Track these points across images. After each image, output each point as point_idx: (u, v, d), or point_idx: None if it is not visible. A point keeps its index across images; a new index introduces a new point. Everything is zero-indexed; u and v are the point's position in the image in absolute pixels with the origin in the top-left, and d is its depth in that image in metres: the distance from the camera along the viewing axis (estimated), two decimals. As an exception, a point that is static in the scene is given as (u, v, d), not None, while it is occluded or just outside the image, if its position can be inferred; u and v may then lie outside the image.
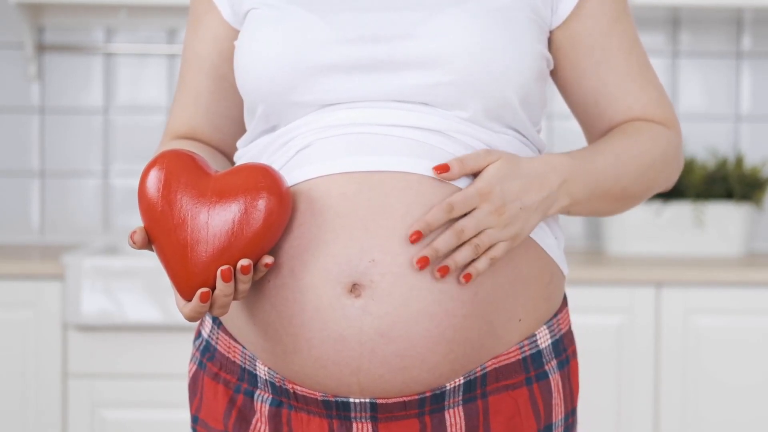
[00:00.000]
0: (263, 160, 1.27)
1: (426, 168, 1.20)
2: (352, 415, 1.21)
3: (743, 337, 2.76)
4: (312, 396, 1.22)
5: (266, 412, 1.26)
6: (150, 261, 2.66)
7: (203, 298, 1.14)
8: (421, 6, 1.24)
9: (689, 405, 2.75)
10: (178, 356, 2.70)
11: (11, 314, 2.74)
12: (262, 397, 1.27)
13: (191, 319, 1.16)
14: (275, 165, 1.25)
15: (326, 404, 1.21)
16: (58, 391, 2.74)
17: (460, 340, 1.19)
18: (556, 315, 1.30)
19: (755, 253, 3.19)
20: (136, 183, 3.15)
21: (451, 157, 1.21)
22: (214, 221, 1.14)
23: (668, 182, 1.38)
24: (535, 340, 1.27)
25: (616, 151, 1.30)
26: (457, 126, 1.23)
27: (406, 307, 1.17)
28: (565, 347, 1.31)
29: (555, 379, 1.29)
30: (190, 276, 1.15)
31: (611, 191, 1.29)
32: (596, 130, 1.37)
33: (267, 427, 1.26)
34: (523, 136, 1.30)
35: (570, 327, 1.34)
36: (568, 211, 1.28)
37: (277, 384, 1.24)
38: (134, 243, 1.16)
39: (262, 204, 1.14)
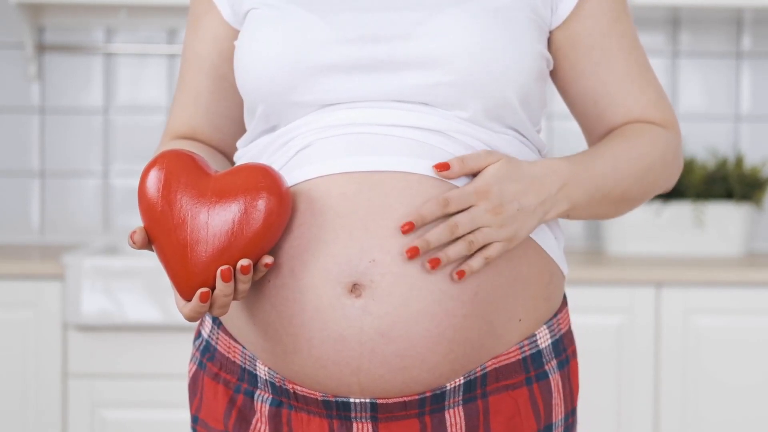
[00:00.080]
0: (263, 160, 1.27)
1: (426, 168, 1.20)
2: (353, 415, 1.21)
3: (743, 337, 2.76)
4: (312, 396, 1.22)
5: (266, 412, 1.26)
6: (150, 261, 2.66)
7: (203, 298, 1.14)
8: (421, 6, 1.24)
9: (689, 405, 2.75)
10: (178, 356, 2.70)
11: (11, 314, 2.74)
12: (262, 397, 1.27)
13: (191, 319, 1.16)
14: (275, 165, 1.25)
15: (326, 404, 1.21)
16: (58, 391, 2.74)
17: (460, 340, 1.19)
18: (556, 315, 1.30)
19: (755, 253, 3.19)
20: (136, 183, 3.15)
21: (451, 157, 1.21)
22: (214, 221, 1.14)
23: (668, 184, 1.38)
24: (535, 340, 1.27)
25: (615, 154, 1.29)
26: (457, 126, 1.23)
27: (406, 307, 1.17)
28: (565, 347, 1.31)
29: (555, 379, 1.29)
30: (189, 276, 1.15)
31: (611, 195, 1.29)
32: (596, 132, 1.37)
33: (267, 427, 1.26)
34: (523, 136, 1.30)
35: (570, 327, 1.34)
36: (567, 216, 1.27)
37: (277, 384, 1.24)
38: (134, 243, 1.16)
39: (261, 204, 1.14)
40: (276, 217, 1.15)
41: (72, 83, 3.26)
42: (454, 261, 1.18)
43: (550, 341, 1.29)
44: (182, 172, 1.16)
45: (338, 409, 1.21)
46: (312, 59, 1.24)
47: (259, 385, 1.27)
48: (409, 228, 1.17)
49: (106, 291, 2.69)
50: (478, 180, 1.20)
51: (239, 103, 1.37)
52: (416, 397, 1.20)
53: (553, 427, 1.29)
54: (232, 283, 1.14)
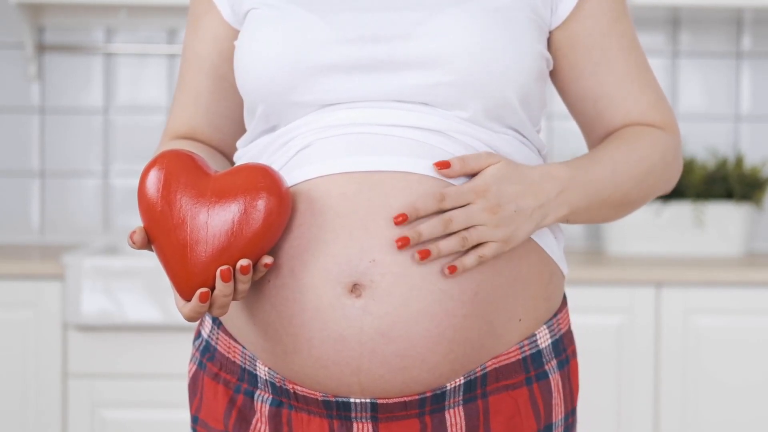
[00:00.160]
0: (263, 160, 1.27)
1: (426, 168, 1.20)
2: (353, 415, 1.21)
3: (743, 337, 2.76)
4: (312, 396, 1.22)
5: (266, 412, 1.26)
6: (150, 261, 2.66)
7: (202, 299, 1.14)
8: (421, 6, 1.24)
9: (689, 405, 2.75)
10: (178, 356, 2.70)
11: (11, 314, 2.74)
12: (263, 397, 1.27)
13: (191, 319, 1.16)
14: (275, 165, 1.25)
15: (326, 404, 1.21)
16: (58, 391, 2.74)
17: (461, 340, 1.19)
18: (555, 315, 1.30)
19: (755, 253, 3.19)
20: (136, 183, 3.15)
21: (451, 157, 1.22)
22: (214, 221, 1.14)
23: (668, 186, 1.37)
24: (535, 340, 1.27)
25: (614, 158, 1.29)
26: (457, 126, 1.23)
27: (407, 307, 1.17)
28: (564, 347, 1.31)
29: (555, 378, 1.29)
30: (189, 276, 1.15)
31: (610, 199, 1.29)
32: (595, 133, 1.37)
33: (267, 427, 1.26)
34: (523, 136, 1.30)
35: (570, 327, 1.34)
36: (567, 220, 1.27)
37: (278, 384, 1.24)
38: (134, 243, 1.16)
39: (261, 204, 1.14)
40: (276, 217, 1.15)
41: (72, 83, 3.26)
42: (445, 255, 1.18)
43: (550, 341, 1.29)
44: (182, 172, 1.16)
45: (338, 409, 1.21)
46: (312, 59, 1.24)
47: (259, 385, 1.27)
48: (402, 220, 1.17)
49: (106, 291, 2.69)
50: (477, 179, 1.20)
51: (239, 103, 1.37)
52: (416, 397, 1.20)
53: (553, 426, 1.29)
54: (231, 284, 1.14)
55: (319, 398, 1.21)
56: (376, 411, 1.21)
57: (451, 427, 1.23)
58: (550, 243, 1.28)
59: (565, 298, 1.34)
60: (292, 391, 1.23)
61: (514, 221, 1.20)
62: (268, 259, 1.16)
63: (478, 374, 1.23)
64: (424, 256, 1.17)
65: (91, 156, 3.28)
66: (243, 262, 1.14)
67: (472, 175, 1.21)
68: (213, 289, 1.15)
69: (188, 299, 1.16)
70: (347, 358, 1.18)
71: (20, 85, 3.25)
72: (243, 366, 1.28)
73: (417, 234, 1.17)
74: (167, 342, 2.73)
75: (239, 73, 1.30)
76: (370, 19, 1.24)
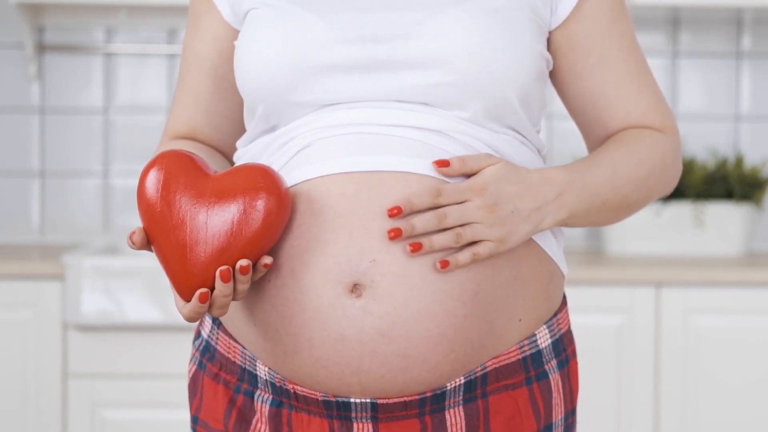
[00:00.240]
0: (263, 160, 1.27)
1: (426, 168, 1.20)
2: (353, 415, 1.21)
3: (743, 337, 2.76)
4: (312, 396, 1.22)
5: (266, 413, 1.26)
6: (150, 261, 2.66)
7: (202, 299, 1.14)
8: (421, 6, 1.24)
9: (689, 405, 2.75)
10: (178, 356, 2.70)
11: (11, 314, 2.74)
12: (263, 397, 1.27)
13: (190, 319, 1.16)
14: (275, 165, 1.25)
15: (327, 404, 1.21)
16: (58, 391, 2.74)
17: (461, 340, 1.19)
18: (555, 315, 1.30)
19: (755, 253, 3.19)
20: (135, 183, 3.15)
21: (451, 156, 1.22)
22: (213, 222, 1.14)
23: (667, 188, 1.37)
24: (535, 340, 1.27)
25: (613, 161, 1.29)
26: (457, 126, 1.23)
27: (407, 307, 1.17)
28: (564, 347, 1.31)
29: (555, 378, 1.29)
30: (189, 276, 1.14)
31: (609, 202, 1.29)
32: (594, 135, 1.36)
33: (267, 428, 1.26)
34: (523, 136, 1.30)
35: (569, 327, 1.34)
36: (566, 224, 1.27)
37: (278, 384, 1.24)
38: (133, 244, 1.16)
39: (261, 204, 1.14)
40: (275, 217, 1.15)
41: (72, 83, 3.26)
42: (438, 250, 1.18)
43: (549, 341, 1.29)
44: (181, 173, 1.16)
45: (339, 409, 1.21)
46: (312, 59, 1.24)
47: (259, 385, 1.27)
48: (396, 212, 1.17)
49: (106, 291, 2.69)
50: (476, 178, 1.20)
51: (239, 103, 1.37)
52: (417, 397, 1.20)
53: (553, 426, 1.29)
54: (231, 284, 1.14)
55: (320, 398, 1.21)
56: (377, 411, 1.21)
57: (451, 427, 1.23)
58: (550, 243, 1.28)
59: (564, 298, 1.34)
60: (292, 391, 1.23)
61: (510, 221, 1.20)
62: (267, 260, 1.16)
63: (478, 374, 1.23)
64: (416, 248, 1.17)
65: (91, 156, 3.28)
66: (242, 262, 1.14)
67: (471, 176, 1.21)
68: (213, 289, 1.15)
69: (188, 299, 1.16)
70: (347, 358, 1.18)
71: (20, 85, 3.25)
72: (243, 366, 1.28)
73: (410, 226, 1.17)
74: (167, 342, 2.73)
75: (239, 73, 1.30)
76: (370, 19, 1.24)
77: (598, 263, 2.92)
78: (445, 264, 1.17)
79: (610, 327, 2.75)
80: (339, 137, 1.23)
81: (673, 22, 3.30)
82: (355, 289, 1.18)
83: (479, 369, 1.23)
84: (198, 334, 1.37)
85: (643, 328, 2.75)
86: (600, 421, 2.75)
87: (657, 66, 3.27)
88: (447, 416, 1.23)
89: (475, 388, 1.23)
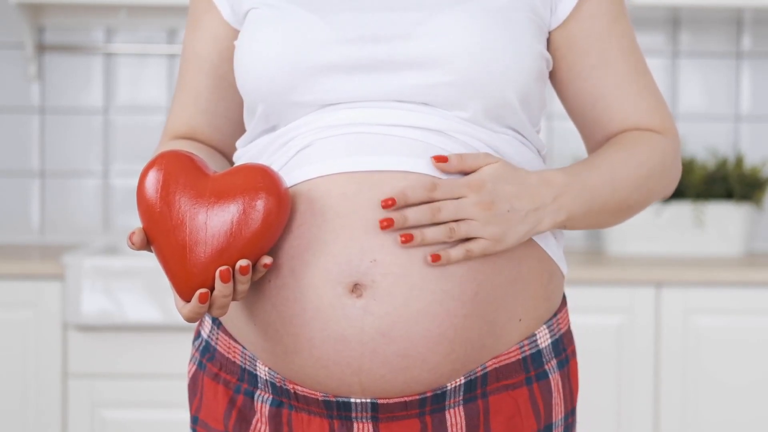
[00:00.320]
0: (263, 160, 1.27)
1: (426, 167, 1.20)
2: (353, 415, 1.21)
3: (743, 337, 2.76)
4: (313, 396, 1.22)
5: (266, 413, 1.26)
6: (150, 261, 2.66)
7: (202, 299, 1.14)
8: (421, 6, 1.24)
9: (689, 405, 2.75)
10: (178, 356, 2.70)
11: (11, 314, 2.74)
12: (263, 397, 1.27)
13: (190, 319, 1.16)
14: (275, 165, 1.25)
15: (327, 404, 1.21)
16: (58, 391, 2.74)
17: (461, 340, 1.19)
18: (555, 315, 1.30)
19: (755, 253, 3.19)
20: (135, 183, 3.15)
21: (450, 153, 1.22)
22: (213, 222, 1.14)
23: (666, 190, 1.37)
24: (535, 340, 1.27)
25: (612, 163, 1.29)
26: (457, 126, 1.23)
27: (407, 307, 1.17)
28: (564, 347, 1.31)
29: (555, 378, 1.29)
30: (188, 277, 1.14)
31: (608, 205, 1.29)
32: (594, 137, 1.36)
33: (267, 428, 1.26)
34: (523, 136, 1.30)
35: (569, 326, 1.34)
36: (564, 226, 1.27)
37: (278, 384, 1.24)
38: (133, 244, 1.16)
39: (260, 204, 1.14)
40: (275, 217, 1.15)
41: (72, 83, 3.26)
42: (430, 243, 1.17)
43: (549, 341, 1.29)
44: (181, 173, 1.16)
45: (339, 410, 1.21)
46: (312, 59, 1.24)
47: (259, 385, 1.27)
48: (390, 204, 1.17)
49: (106, 291, 2.69)
50: (473, 175, 1.20)
51: (239, 103, 1.37)
52: (417, 397, 1.20)
53: (553, 426, 1.29)
54: (231, 284, 1.14)
55: (320, 398, 1.21)
56: (377, 411, 1.21)
57: (452, 427, 1.23)
58: (549, 243, 1.28)
59: (564, 298, 1.34)
60: (292, 391, 1.23)
61: (506, 221, 1.19)
62: (267, 260, 1.16)
63: (478, 374, 1.23)
64: (407, 240, 1.16)
65: (91, 156, 3.28)
66: (242, 262, 1.14)
67: (469, 174, 1.21)
68: (212, 289, 1.15)
69: (188, 300, 1.16)
70: (348, 358, 1.18)
71: (20, 85, 3.25)
72: (243, 366, 1.28)
73: (403, 218, 1.17)
74: (167, 342, 2.73)
75: (239, 73, 1.30)
76: (370, 19, 1.24)
77: (598, 263, 2.92)
78: (436, 258, 1.17)
79: (610, 327, 2.75)
80: (339, 137, 1.23)
81: (673, 22, 3.30)
82: (356, 289, 1.18)
83: (479, 369, 1.23)
84: (198, 335, 1.37)
85: (643, 328, 2.75)
86: (600, 421, 2.75)
87: (657, 66, 3.27)
88: (447, 416, 1.23)
89: (476, 388, 1.23)
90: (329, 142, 1.23)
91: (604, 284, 2.76)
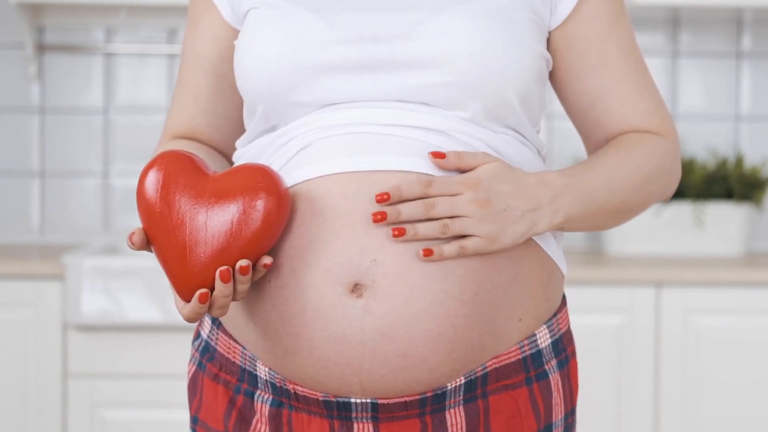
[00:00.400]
0: (263, 160, 1.27)
1: (426, 167, 1.20)
2: (353, 415, 1.21)
3: (743, 337, 2.76)
4: (313, 396, 1.22)
5: (266, 413, 1.26)
6: (150, 261, 2.66)
7: (202, 299, 1.14)
8: (421, 6, 1.24)
9: (689, 405, 2.75)
10: (178, 356, 2.70)
11: (11, 314, 2.74)
12: (263, 397, 1.27)
13: (190, 320, 1.16)
14: (275, 165, 1.25)
15: (327, 404, 1.21)
16: (58, 391, 2.74)
17: (462, 340, 1.19)
18: (555, 315, 1.30)
19: (755, 253, 3.19)
20: (136, 183, 3.15)
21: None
22: (213, 222, 1.14)
23: (666, 193, 1.36)
24: (535, 340, 1.27)
25: (610, 165, 1.29)
26: (457, 126, 1.23)
27: (407, 307, 1.17)
28: (564, 347, 1.31)
29: (555, 378, 1.29)
30: (188, 277, 1.14)
31: (606, 206, 1.28)
32: (594, 138, 1.36)
33: (267, 428, 1.26)
34: (523, 136, 1.30)
35: (569, 326, 1.34)
36: (563, 228, 1.26)
37: (278, 384, 1.24)
38: (133, 244, 1.16)
39: (260, 204, 1.14)
40: (275, 217, 1.15)
41: (72, 83, 3.26)
42: (423, 238, 1.17)
43: (549, 341, 1.29)
44: (181, 173, 1.16)
45: (339, 410, 1.21)
46: (312, 59, 1.24)
47: (259, 385, 1.27)
48: (384, 198, 1.17)
49: (106, 291, 2.69)
50: (470, 173, 1.20)
51: (238, 104, 1.37)
52: (417, 397, 1.20)
53: (553, 426, 1.29)
54: (231, 284, 1.14)
55: (320, 398, 1.21)
56: (377, 411, 1.21)
57: (452, 427, 1.23)
58: (549, 243, 1.28)
59: (564, 297, 1.34)
60: (292, 391, 1.23)
61: (501, 219, 1.19)
62: (267, 260, 1.16)
63: (478, 374, 1.23)
64: (399, 233, 1.16)
65: (91, 156, 3.28)
66: (242, 262, 1.14)
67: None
68: (212, 289, 1.15)
69: (188, 300, 1.16)
70: (348, 358, 1.18)
71: (20, 85, 3.25)
72: (243, 366, 1.28)
73: (396, 212, 1.17)
74: (167, 342, 2.73)
75: (239, 73, 1.30)
76: (370, 19, 1.24)
77: (598, 263, 2.92)
78: (428, 252, 1.17)
79: (610, 327, 2.75)
80: (339, 137, 1.23)
81: (673, 22, 3.29)
82: (356, 289, 1.18)
83: (479, 369, 1.23)
84: (197, 335, 1.37)
85: (643, 328, 2.75)
86: (600, 421, 2.75)
87: (657, 66, 3.27)
88: (447, 416, 1.23)
89: (476, 388, 1.23)
90: (329, 142, 1.23)
91: (604, 284, 2.76)
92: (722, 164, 3.10)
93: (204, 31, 1.37)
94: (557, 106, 3.04)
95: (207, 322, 1.35)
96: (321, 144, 1.23)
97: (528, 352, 1.26)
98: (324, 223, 1.19)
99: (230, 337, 1.30)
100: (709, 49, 3.30)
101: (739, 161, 3.09)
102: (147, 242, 1.17)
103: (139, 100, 3.28)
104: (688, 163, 3.09)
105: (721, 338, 2.76)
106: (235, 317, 1.27)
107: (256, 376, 1.27)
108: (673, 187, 1.37)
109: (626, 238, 3.05)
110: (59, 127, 3.26)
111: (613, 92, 1.33)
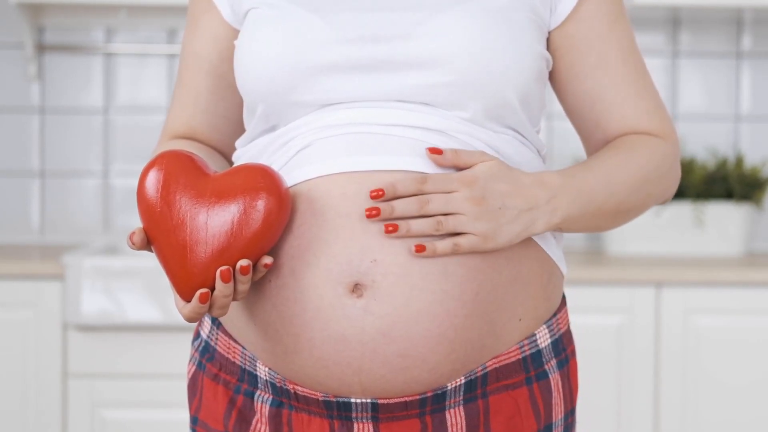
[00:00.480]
0: (263, 160, 1.27)
1: (426, 167, 1.20)
2: (353, 415, 1.21)
3: (743, 337, 2.76)
4: (313, 396, 1.22)
5: (266, 413, 1.26)
6: (150, 261, 2.66)
7: (202, 299, 1.14)
8: (421, 6, 1.24)
9: (689, 405, 2.75)
10: (178, 356, 2.70)
11: (11, 314, 2.74)
12: (263, 397, 1.27)
13: (190, 320, 1.16)
14: (275, 165, 1.25)
15: (327, 404, 1.21)
16: (58, 391, 2.74)
17: (462, 340, 1.19)
18: (555, 314, 1.30)
19: (755, 253, 3.19)
20: (136, 183, 3.15)
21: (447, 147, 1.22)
22: (213, 222, 1.14)
23: (665, 194, 1.36)
24: (535, 340, 1.27)
25: (609, 166, 1.28)
26: (457, 126, 1.23)
27: (408, 307, 1.17)
28: (564, 347, 1.31)
29: (555, 378, 1.29)
30: (189, 277, 1.14)
31: (605, 207, 1.28)
32: (593, 139, 1.36)
33: (267, 428, 1.26)
34: (523, 136, 1.30)
35: (569, 326, 1.34)
36: (560, 228, 1.26)
37: (278, 384, 1.24)
38: (133, 244, 1.16)
39: (261, 204, 1.14)
40: (275, 217, 1.15)
41: (72, 83, 3.26)
42: (416, 235, 1.17)
43: (549, 341, 1.29)
44: (181, 173, 1.16)
45: (339, 410, 1.21)
46: (312, 59, 1.24)
47: (259, 385, 1.27)
48: (378, 194, 1.17)
49: (106, 291, 2.69)
50: (466, 171, 1.19)
51: (238, 104, 1.37)
52: (417, 397, 1.20)
53: (553, 426, 1.29)
54: (231, 284, 1.14)
55: (320, 398, 1.21)
56: (377, 411, 1.21)
57: (452, 427, 1.23)
58: (549, 243, 1.28)
59: (564, 297, 1.34)
60: (292, 391, 1.23)
61: (497, 218, 1.19)
62: (267, 260, 1.16)
63: (478, 374, 1.23)
64: (392, 229, 1.16)
65: (91, 156, 3.28)
66: (243, 262, 1.14)
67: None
68: (213, 289, 1.15)
69: (188, 300, 1.16)
70: (348, 358, 1.18)
71: (20, 85, 3.25)
72: (243, 366, 1.28)
73: (390, 208, 1.16)
74: (167, 342, 2.73)
75: (239, 73, 1.30)
76: (370, 19, 1.24)
77: (598, 263, 2.92)
78: (420, 248, 1.17)
79: (610, 327, 2.75)
80: (339, 137, 1.23)
81: (673, 22, 3.30)
82: (356, 289, 1.18)
83: (479, 369, 1.23)
84: (197, 335, 1.37)
85: (643, 328, 2.75)
86: (600, 421, 2.75)
87: (657, 66, 3.27)
88: (447, 416, 1.23)
89: (476, 388, 1.23)
90: (329, 142, 1.23)
91: (604, 284, 2.76)
92: (722, 164, 3.10)
93: (204, 31, 1.37)
94: (557, 106, 3.03)
95: (207, 322, 1.34)
96: (321, 144, 1.23)
97: (528, 352, 1.26)
98: (324, 223, 1.19)
99: (230, 337, 1.30)
100: (709, 49, 3.30)
101: (739, 161, 3.09)
102: (147, 242, 1.17)
103: (139, 100, 3.28)
104: (688, 163, 3.09)
105: (721, 338, 2.76)
106: (235, 317, 1.27)
107: (256, 376, 1.27)
108: (673, 189, 1.37)
109: (626, 238, 3.05)
110: (59, 127, 3.26)
111: (613, 93, 1.33)
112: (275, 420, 1.26)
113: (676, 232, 3.04)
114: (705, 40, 3.30)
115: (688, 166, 3.06)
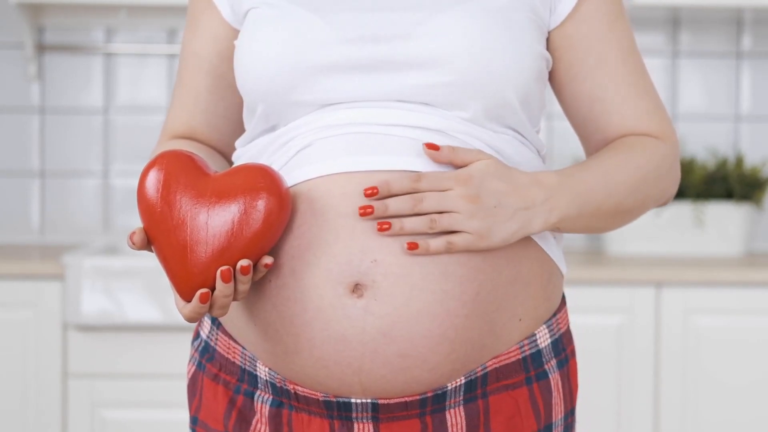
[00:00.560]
0: (263, 160, 1.27)
1: (426, 167, 1.20)
2: (354, 415, 1.21)
3: (743, 337, 2.76)
4: (313, 396, 1.22)
5: (266, 413, 1.26)
6: (150, 261, 2.66)
7: (203, 299, 1.14)
8: (421, 6, 1.24)
9: (689, 405, 2.75)
10: (178, 356, 2.70)
11: (11, 314, 2.74)
12: (263, 397, 1.27)
13: (191, 320, 1.16)
14: (275, 165, 1.25)
15: (327, 404, 1.21)
16: (58, 391, 2.74)
17: (462, 340, 1.19)
18: (555, 314, 1.30)
19: (755, 253, 3.19)
20: (136, 183, 3.15)
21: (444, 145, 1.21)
22: (214, 222, 1.14)
23: (664, 196, 1.35)
24: (535, 340, 1.27)
25: (607, 167, 1.28)
26: (457, 126, 1.23)
27: (408, 307, 1.17)
28: (564, 347, 1.31)
29: (554, 378, 1.29)
30: (189, 277, 1.14)
31: (602, 208, 1.28)
32: (592, 139, 1.35)
33: (267, 428, 1.26)
34: (523, 136, 1.30)
35: (569, 326, 1.34)
36: (558, 228, 1.26)
37: (278, 384, 1.24)
38: (133, 244, 1.16)
39: (261, 204, 1.14)
40: (276, 217, 1.15)
41: (72, 83, 3.26)
42: (409, 233, 1.17)
43: (549, 341, 1.29)
44: (181, 173, 1.16)
45: (339, 410, 1.21)
46: (312, 59, 1.24)
47: (259, 385, 1.27)
48: (373, 192, 1.16)
49: (106, 291, 2.69)
50: (462, 169, 1.19)
51: (238, 103, 1.37)
52: (417, 397, 1.20)
53: (553, 426, 1.29)
54: (231, 284, 1.14)
55: (320, 398, 1.21)
56: (377, 411, 1.21)
57: (452, 427, 1.23)
58: (549, 243, 1.28)
59: (564, 297, 1.34)
60: (292, 391, 1.23)
61: (492, 216, 1.19)
62: (268, 260, 1.16)
63: (478, 374, 1.23)
64: (386, 228, 1.16)
65: (91, 156, 3.28)
66: (243, 262, 1.14)
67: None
68: (213, 289, 1.15)
69: (188, 300, 1.16)
70: (349, 358, 1.18)
71: (20, 85, 3.25)
72: (243, 366, 1.28)
73: (383, 206, 1.16)
74: (167, 342, 2.73)
75: (239, 73, 1.30)
76: (370, 19, 1.24)
77: (598, 263, 2.92)
78: (413, 246, 1.17)
79: (610, 327, 2.75)
80: (339, 137, 1.23)
81: (673, 22, 3.30)
82: (357, 289, 1.18)
83: (480, 369, 1.23)
84: (197, 335, 1.37)
85: (643, 328, 2.75)
86: (600, 421, 2.75)
87: (657, 66, 3.27)
88: (447, 416, 1.23)
89: (476, 388, 1.23)
90: (329, 142, 1.23)
91: (604, 284, 2.76)
92: (722, 164, 3.10)
93: (204, 31, 1.37)
94: (557, 106, 3.02)
95: (206, 322, 1.34)
96: (321, 144, 1.23)
97: (528, 352, 1.26)
98: (324, 223, 1.19)
99: (230, 337, 1.30)
100: (709, 49, 3.30)
101: (739, 161, 3.09)
102: (147, 242, 1.17)
103: (139, 100, 3.28)
104: (688, 163, 3.09)
105: (721, 338, 2.76)
106: (235, 317, 1.27)
107: (256, 376, 1.27)
108: (673, 190, 1.37)
109: (626, 238, 3.05)
110: (59, 127, 3.26)
111: (612, 93, 1.32)
112: (275, 420, 1.26)
113: (676, 232, 3.04)
114: (705, 40, 3.30)
115: (688, 166, 3.06)
